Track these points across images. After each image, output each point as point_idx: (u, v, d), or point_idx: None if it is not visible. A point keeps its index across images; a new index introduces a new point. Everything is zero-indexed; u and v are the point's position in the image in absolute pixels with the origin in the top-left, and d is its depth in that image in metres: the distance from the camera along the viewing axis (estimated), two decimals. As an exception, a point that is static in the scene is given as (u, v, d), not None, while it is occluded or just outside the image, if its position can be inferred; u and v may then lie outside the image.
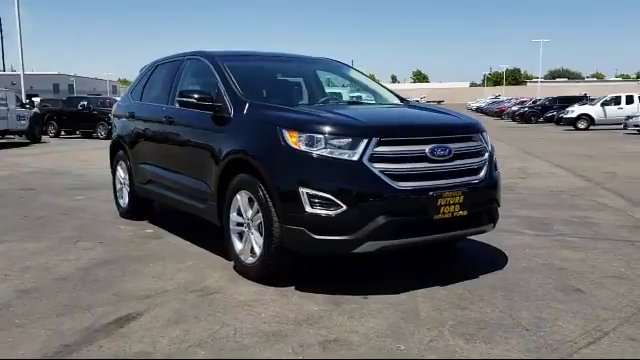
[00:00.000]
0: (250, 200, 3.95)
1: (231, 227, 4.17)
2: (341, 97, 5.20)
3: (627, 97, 27.49)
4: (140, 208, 6.06)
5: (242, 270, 4.06)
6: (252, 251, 3.98)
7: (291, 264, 3.88)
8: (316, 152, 3.58)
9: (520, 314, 3.31)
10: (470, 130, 4.03)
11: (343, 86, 5.45)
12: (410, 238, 3.66)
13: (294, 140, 3.64)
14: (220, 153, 4.21)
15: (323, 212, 3.50)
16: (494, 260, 4.43)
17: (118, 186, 6.38)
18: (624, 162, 12.31)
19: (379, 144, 3.56)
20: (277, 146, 3.70)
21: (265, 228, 3.77)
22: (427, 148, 3.69)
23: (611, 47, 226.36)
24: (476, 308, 3.41)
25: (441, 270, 4.26)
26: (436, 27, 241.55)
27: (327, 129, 3.63)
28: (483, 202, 3.92)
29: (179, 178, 4.93)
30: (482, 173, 3.95)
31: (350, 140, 3.57)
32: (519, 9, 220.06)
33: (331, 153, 3.57)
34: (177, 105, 5.03)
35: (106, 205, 6.96)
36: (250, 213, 3.96)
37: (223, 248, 4.66)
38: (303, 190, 3.54)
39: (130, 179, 5.98)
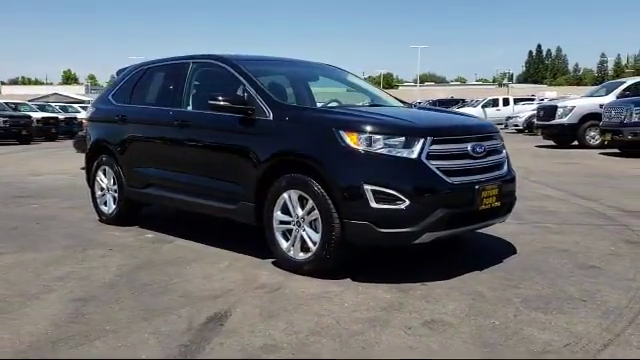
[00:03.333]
0: (300, 198, 4.13)
1: (275, 226, 4.31)
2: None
3: (504, 100, 30.23)
4: (130, 213, 5.94)
5: (291, 266, 4.21)
6: (304, 247, 4.16)
7: (346, 258, 4.12)
8: (376, 151, 3.85)
9: (567, 289, 3.79)
10: (492, 129, 4.50)
11: (348, 90, 5.71)
12: (460, 228, 4.05)
13: (354, 141, 3.88)
14: (261, 154, 4.33)
15: (387, 207, 3.78)
16: (503, 246, 4.93)
17: (98, 192, 6.17)
18: (525, 157, 13.62)
19: (433, 143, 3.91)
20: (337, 147, 3.92)
21: (323, 224, 3.96)
22: (469, 146, 4.10)
23: (470, 53, 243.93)
24: (527, 286, 3.86)
25: (465, 257, 4.70)
26: (314, 29, 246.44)
27: (385, 130, 3.92)
28: (508, 194, 4.40)
29: (199, 180, 4.94)
30: (505, 168, 4.44)
31: (407, 140, 3.87)
32: (383, 12, 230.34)
33: (389, 152, 3.86)
34: (190, 108, 5.09)
35: (74, 212, 6.71)
36: (301, 211, 4.14)
37: (245, 247, 4.85)
38: (367, 187, 3.79)
39: (119, 184, 5.83)
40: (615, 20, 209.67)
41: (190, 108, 5.13)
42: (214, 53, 5.17)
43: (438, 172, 3.87)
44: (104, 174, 6.08)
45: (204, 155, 4.91)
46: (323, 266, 4.04)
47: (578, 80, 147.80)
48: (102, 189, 6.13)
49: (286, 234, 4.30)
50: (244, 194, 4.52)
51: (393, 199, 3.77)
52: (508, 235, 5.30)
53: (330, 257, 3.99)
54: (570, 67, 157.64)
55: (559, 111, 16.03)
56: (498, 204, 4.21)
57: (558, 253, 4.69)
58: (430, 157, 3.88)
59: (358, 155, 3.87)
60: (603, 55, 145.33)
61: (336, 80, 5.82)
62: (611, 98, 15.77)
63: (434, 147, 3.91)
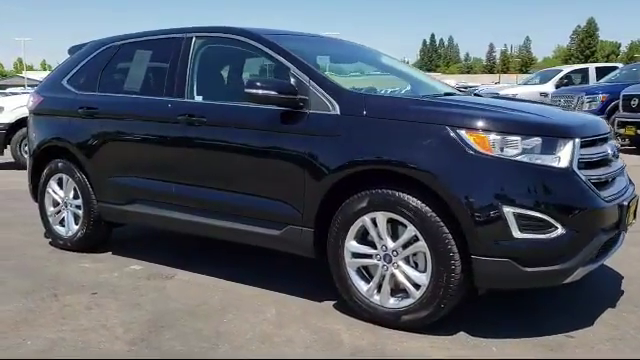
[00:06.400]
0: (390, 223, 3.01)
1: (347, 260, 3.15)
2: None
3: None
4: (100, 236, 4.51)
5: (377, 316, 3.07)
6: (396, 290, 3.04)
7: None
8: (515, 159, 2.80)
9: None
10: (608, 127, 3.58)
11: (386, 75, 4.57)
12: (606, 256, 3.10)
13: (484, 145, 2.80)
14: (324, 162, 3.14)
15: (536, 236, 2.74)
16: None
17: (51, 209, 4.65)
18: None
19: (581, 146, 2.91)
20: (458, 153, 2.81)
21: (435, 262, 2.86)
22: (609, 149, 3.16)
23: (368, 42, 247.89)
24: (698, 332, 2.98)
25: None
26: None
27: (523, 129, 2.87)
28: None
29: (219, 196, 3.63)
30: (626, 174, 3.55)
31: (552, 142, 2.84)
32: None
33: (530, 159, 2.81)
34: (201, 99, 3.78)
35: (8, 232, 5.14)
36: (391, 242, 3.00)
37: (277, 279, 3.75)
38: (508, 210, 2.73)
39: (84, 198, 4.38)
40: (502, 12, 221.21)
41: (201, 99, 3.81)
42: (229, 25, 3.85)
43: (591, 186, 2.88)
44: (59, 185, 4.58)
45: (228, 162, 3.62)
46: (431, 317, 2.94)
47: (469, 68, 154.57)
48: (56, 204, 4.63)
49: (362, 271, 3.16)
50: (295, 216, 3.31)
51: (543, 226, 2.74)
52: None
53: (445, 306, 2.90)
54: (461, 56, 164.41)
55: (501, 99, 15.75)
56: (634, 221, 3.31)
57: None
58: (581, 165, 2.88)
59: (492, 165, 2.79)
60: (491, 45, 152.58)
61: (371, 64, 4.67)
62: (549, 86, 15.76)
63: (582, 152, 2.92)
